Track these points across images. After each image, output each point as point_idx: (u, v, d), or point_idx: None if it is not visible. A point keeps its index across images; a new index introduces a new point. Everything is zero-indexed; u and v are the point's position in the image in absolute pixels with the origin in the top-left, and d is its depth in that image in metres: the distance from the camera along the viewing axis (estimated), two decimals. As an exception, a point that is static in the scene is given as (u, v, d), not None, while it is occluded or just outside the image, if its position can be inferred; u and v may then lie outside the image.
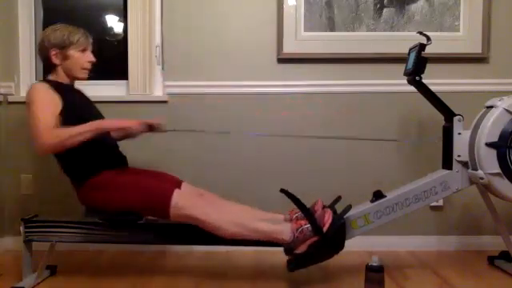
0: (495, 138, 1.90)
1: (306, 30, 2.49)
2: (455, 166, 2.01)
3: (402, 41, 2.38)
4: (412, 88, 2.07)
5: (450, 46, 2.48)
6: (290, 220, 1.94)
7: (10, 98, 2.50)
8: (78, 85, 2.12)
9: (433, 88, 2.05)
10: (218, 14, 2.51)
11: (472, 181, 2.01)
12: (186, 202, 1.85)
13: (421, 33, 2.03)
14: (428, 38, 1.99)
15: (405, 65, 2.12)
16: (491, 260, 2.25)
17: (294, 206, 1.89)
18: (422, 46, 1.99)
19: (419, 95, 2.08)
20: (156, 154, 2.48)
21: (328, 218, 1.83)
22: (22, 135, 2.49)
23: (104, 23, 2.67)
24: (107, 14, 2.67)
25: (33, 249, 1.99)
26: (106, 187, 1.88)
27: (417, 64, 1.99)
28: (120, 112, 2.44)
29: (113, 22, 2.67)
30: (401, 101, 2.51)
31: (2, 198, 2.53)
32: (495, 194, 1.98)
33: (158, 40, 2.52)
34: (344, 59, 2.50)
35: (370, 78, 2.52)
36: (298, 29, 2.49)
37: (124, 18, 2.58)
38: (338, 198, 2.06)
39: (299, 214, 1.91)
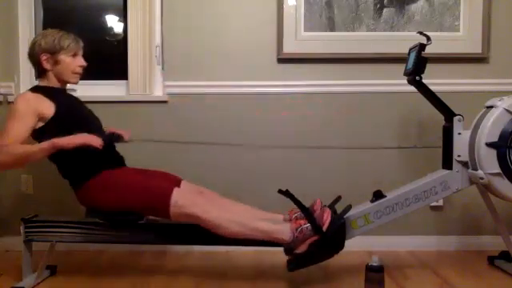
0: (495, 138, 1.89)
1: (306, 29, 2.49)
2: (455, 165, 2.01)
3: (401, 41, 2.37)
4: (412, 88, 2.07)
5: (450, 46, 2.48)
6: (290, 220, 1.94)
7: (10, 98, 2.50)
8: (79, 83, 2.12)
9: (433, 88, 2.05)
10: (217, 14, 2.51)
11: (472, 181, 2.01)
12: (186, 200, 1.85)
13: (421, 33, 2.03)
14: (428, 38, 1.99)
15: (405, 65, 2.12)
16: (491, 260, 2.25)
17: (294, 206, 1.89)
18: (422, 46, 1.99)
19: (419, 95, 2.08)
20: (156, 154, 2.47)
21: (327, 217, 1.83)
22: (22, 135, 2.49)
23: (104, 23, 2.67)
24: (107, 13, 2.67)
25: (33, 249, 1.99)
26: (106, 188, 1.88)
27: (417, 64, 1.99)
28: (120, 112, 2.45)
29: (113, 22, 2.67)
30: (401, 101, 2.51)
31: (1, 197, 2.53)
32: (495, 194, 1.98)
33: (158, 40, 2.52)
34: (344, 59, 2.50)
35: (370, 78, 2.51)
36: (297, 29, 2.49)
37: (124, 18, 2.58)
38: (338, 198, 2.06)
39: (298, 213, 1.91)
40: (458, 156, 2.00)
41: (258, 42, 2.51)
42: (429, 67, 2.01)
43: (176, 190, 1.86)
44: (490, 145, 1.89)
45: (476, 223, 2.54)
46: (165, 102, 2.51)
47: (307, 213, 1.85)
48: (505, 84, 2.48)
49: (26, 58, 2.53)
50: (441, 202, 2.51)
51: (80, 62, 2.02)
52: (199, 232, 1.88)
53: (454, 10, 2.49)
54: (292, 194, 1.86)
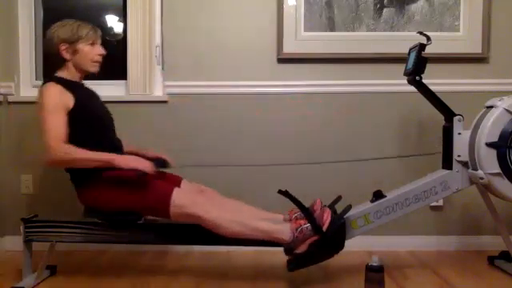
0: (495, 138, 1.89)
1: (306, 30, 2.49)
2: (455, 165, 2.01)
3: (401, 41, 2.38)
4: (412, 88, 2.07)
5: (450, 46, 2.48)
6: (290, 220, 1.94)
7: (10, 98, 2.51)
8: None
9: (433, 88, 2.05)
10: (217, 13, 2.51)
11: (472, 181, 2.01)
12: (186, 200, 1.85)
13: (421, 33, 2.03)
14: (428, 38, 1.99)
15: (405, 65, 2.12)
16: (491, 260, 2.25)
17: (294, 206, 1.89)
18: (422, 46, 1.99)
19: (419, 95, 2.08)
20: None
21: (327, 217, 1.83)
22: (22, 135, 2.49)
23: (104, 23, 2.66)
24: (107, 13, 2.67)
25: (33, 249, 1.99)
26: (107, 187, 1.88)
27: (417, 64, 1.99)
28: (120, 112, 2.43)
29: (113, 22, 2.67)
30: (401, 101, 2.51)
31: (2, 197, 2.53)
32: (495, 194, 1.98)
33: (157, 40, 2.52)
34: (344, 59, 2.50)
35: (370, 78, 2.51)
36: (298, 29, 2.49)
37: (124, 18, 2.57)
38: (338, 198, 2.06)
39: (298, 213, 1.91)
40: (458, 156, 2.00)
41: (258, 42, 2.51)
42: (429, 67, 2.01)
43: (176, 190, 1.87)
44: (490, 145, 1.89)
45: (476, 223, 2.54)
46: (165, 102, 2.51)
47: (307, 213, 1.85)
48: (505, 84, 2.48)
49: (26, 58, 2.57)
50: (441, 202, 2.51)
51: (99, 50, 2.02)
52: (199, 232, 1.88)
53: (454, 10, 2.49)
54: (292, 195, 1.86)
